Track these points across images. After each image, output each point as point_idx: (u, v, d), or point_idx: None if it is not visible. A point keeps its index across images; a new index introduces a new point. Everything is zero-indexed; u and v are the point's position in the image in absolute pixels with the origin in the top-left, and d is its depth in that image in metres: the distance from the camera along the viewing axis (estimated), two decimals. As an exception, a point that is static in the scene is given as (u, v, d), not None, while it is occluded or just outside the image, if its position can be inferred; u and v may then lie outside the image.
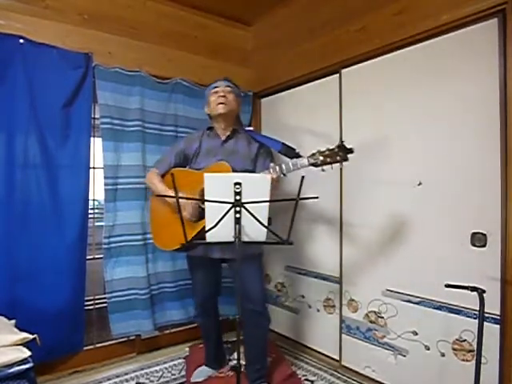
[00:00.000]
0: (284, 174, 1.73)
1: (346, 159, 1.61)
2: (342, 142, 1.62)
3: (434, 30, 1.85)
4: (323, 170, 1.63)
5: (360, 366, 2.26)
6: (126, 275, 2.41)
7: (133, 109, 2.44)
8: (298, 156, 1.80)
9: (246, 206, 1.31)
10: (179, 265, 2.63)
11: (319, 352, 2.55)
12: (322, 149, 1.64)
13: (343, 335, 2.37)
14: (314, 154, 1.65)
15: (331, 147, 1.62)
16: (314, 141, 2.48)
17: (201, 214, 1.80)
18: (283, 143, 1.94)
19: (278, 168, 1.72)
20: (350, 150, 1.61)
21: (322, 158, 1.62)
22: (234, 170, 1.83)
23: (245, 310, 1.92)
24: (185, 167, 2.04)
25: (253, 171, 1.93)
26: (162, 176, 2.03)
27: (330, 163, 1.62)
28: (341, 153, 1.60)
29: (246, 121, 2.92)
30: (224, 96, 1.95)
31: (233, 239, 1.34)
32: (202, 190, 1.43)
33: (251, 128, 2.10)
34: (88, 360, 2.38)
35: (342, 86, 2.34)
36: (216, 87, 1.99)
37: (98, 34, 2.34)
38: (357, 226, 2.28)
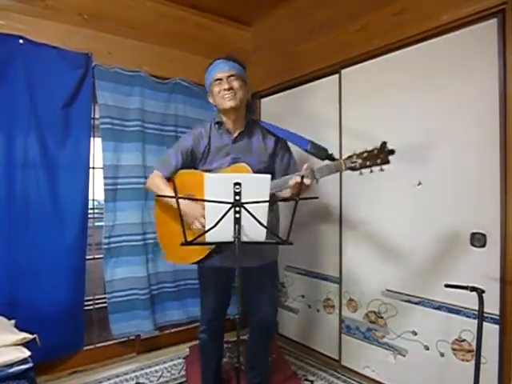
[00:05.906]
0: (316, 180, 1.50)
1: (387, 162, 1.42)
2: (384, 142, 1.42)
3: (433, 30, 1.86)
4: (361, 174, 1.47)
5: (359, 366, 2.26)
6: (126, 275, 2.42)
7: (133, 109, 2.44)
8: (330, 157, 1.60)
9: (245, 206, 1.31)
10: (179, 265, 2.63)
11: (319, 352, 2.55)
12: (360, 150, 1.46)
13: (343, 335, 2.37)
14: (350, 157, 1.46)
15: (370, 149, 1.44)
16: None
17: None
18: (311, 141, 1.70)
19: (308, 172, 1.49)
20: (392, 152, 1.42)
21: (360, 161, 1.44)
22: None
23: (254, 320, 1.86)
24: (191, 169, 1.76)
25: (270, 168, 1.72)
26: (168, 180, 1.72)
27: (370, 166, 1.43)
28: (381, 155, 1.42)
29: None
30: (230, 88, 1.65)
31: (232, 239, 1.34)
32: None
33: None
34: (88, 360, 2.38)
35: (341, 86, 2.34)
36: (219, 79, 1.68)
37: (98, 34, 2.34)
38: (357, 226, 2.28)
